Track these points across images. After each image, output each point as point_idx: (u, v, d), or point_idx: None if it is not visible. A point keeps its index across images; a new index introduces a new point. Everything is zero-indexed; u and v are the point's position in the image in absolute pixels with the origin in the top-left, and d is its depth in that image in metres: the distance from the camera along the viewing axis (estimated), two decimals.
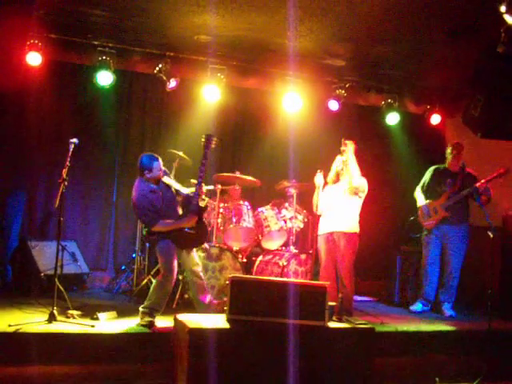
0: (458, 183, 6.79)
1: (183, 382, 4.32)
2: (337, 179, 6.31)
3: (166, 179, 5.59)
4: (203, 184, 5.59)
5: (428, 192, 6.95)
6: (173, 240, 5.38)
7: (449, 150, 7.02)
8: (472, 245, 7.03)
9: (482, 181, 6.57)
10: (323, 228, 6.27)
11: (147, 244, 7.14)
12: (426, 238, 6.90)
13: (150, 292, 5.41)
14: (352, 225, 6.14)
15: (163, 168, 5.62)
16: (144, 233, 5.58)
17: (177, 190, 5.60)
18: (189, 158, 7.02)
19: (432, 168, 7.07)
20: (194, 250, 5.64)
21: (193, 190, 5.54)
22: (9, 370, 4.56)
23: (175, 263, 5.41)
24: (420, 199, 6.92)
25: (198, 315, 5.02)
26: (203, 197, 5.68)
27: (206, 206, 5.73)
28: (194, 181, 5.90)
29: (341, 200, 6.16)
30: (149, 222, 5.35)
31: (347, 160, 6.17)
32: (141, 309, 5.34)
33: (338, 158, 6.30)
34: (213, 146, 5.64)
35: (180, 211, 5.55)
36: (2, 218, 7.02)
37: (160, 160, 5.49)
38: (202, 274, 5.64)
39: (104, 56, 6.91)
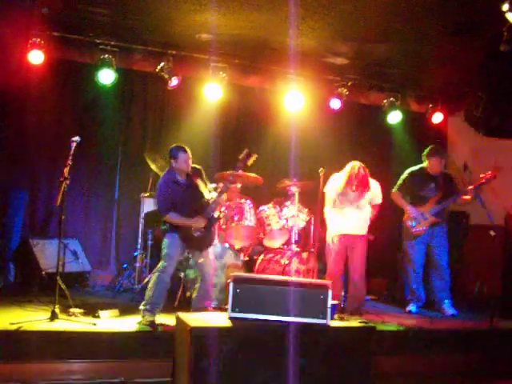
0: (441, 188, 6.71)
1: (185, 381, 4.33)
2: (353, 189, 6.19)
3: (199, 181, 5.65)
4: (224, 194, 5.73)
5: (409, 197, 6.80)
6: (179, 235, 5.44)
7: (428, 157, 6.75)
8: (474, 243, 7.02)
9: (470, 187, 6.50)
10: (339, 228, 6.30)
11: (149, 242, 7.16)
12: (412, 242, 6.78)
13: (149, 286, 5.44)
14: (367, 228, 6.30)
15: (198, 167, 5.71)
16: (162, 224, 5.65)
17: (202, 193, 5.65)
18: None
19: (408, 172, 6.87)
20: (211, 253, 5.71)
21: (214, 196, 5.65)
22: (11, 367, 4.57)
23: (176, 258, 5.49)
24: (407, 206, 6.74)
25: (200, 313, 5.03)
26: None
27: (219, 218, 5.80)
28: (211, 186, 5.88)
29: (359, 203, 6.25)
30: (161, 208, 5.46)
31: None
32: (141, 307, 5.35)
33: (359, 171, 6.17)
34: (249, 163, 5.78)
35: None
36: (3, 216, 7.01)
37: (188, 152, 5.53)
38: (213, 278, 5.70)
39: (106, 54, 6.90)
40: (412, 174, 6.85)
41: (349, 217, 6.25)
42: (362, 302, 6.34)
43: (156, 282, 5.39)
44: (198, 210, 5.54)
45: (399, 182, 6.87)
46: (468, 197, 6.47)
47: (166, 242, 5.48)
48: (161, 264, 5.45)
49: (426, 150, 6.82)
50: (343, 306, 6.35)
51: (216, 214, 5.73)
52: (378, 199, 6.41)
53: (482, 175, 6.48)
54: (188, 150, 5.54)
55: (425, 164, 6.82)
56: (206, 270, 5.60)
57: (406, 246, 6.89)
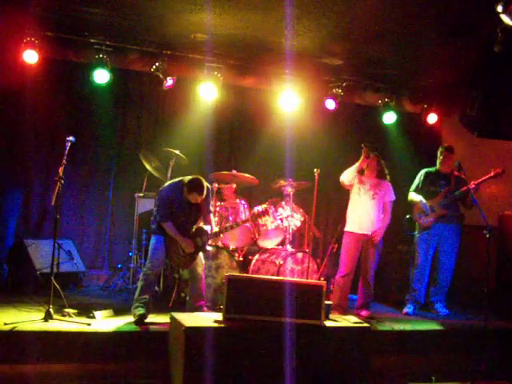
0: (452, 183, 6.82)
1: (179, 381, 4.33)
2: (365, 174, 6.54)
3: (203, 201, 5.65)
4: (221, 236, 6.18)
5: (422, 194, 6.90)
6: (164, 240, 5.53)
7: (439, 154, 7.01)
8: (468, 244, 7.04)
9: (479, 180, 6.57)
10: (358, 227, 6.44)
11: (143, 242, 7.16)
12: (421, 237, 6.87)
13: (137, 287, 5.55)
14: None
15: (208, 186, 5.65)
16: (152, 218, 5.68)
17: (199, 214, 5.74)
18: (185, 157, 7.02)
19: (423, 171, 7.05)
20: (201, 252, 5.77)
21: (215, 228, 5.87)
22: (5, 368, 4.57)
23: (160, 259, 5.57)
24: (418, 197, 6.90)
25: (194, 314, 5.03)
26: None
27: (209, 251, 6.02)
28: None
29: (375, 204, 6.46)
30: (159, 215, 5.55)
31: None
32: (132, 308, 5.42)
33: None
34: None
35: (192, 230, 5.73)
36: None
37: (203, 194, 5.49)
38: (203, 275, 5.75)
39: (101, 54, 6.88)
40: (426, 173, 7.03)
41: (367, 217, 6.43)
42: (372, 297, 6.62)
43: (142, 280, 5.51)
44: (192, 233, 5.65)
45: (415, 181, 7.08)
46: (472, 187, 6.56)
47: (152, 243, 5.60)
48: (146, 264, 5.58)
49: (438, 150, 7.06)
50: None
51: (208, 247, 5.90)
52: (391, 195, 6.59)
53: (493, 168, 6.58)
54: (205, 190, 5.50)
55: (437, 165, 7.01)
56: (196, 270, 5.62)
57: (416, 240, 6.97)
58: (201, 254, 5.72)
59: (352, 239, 6.44)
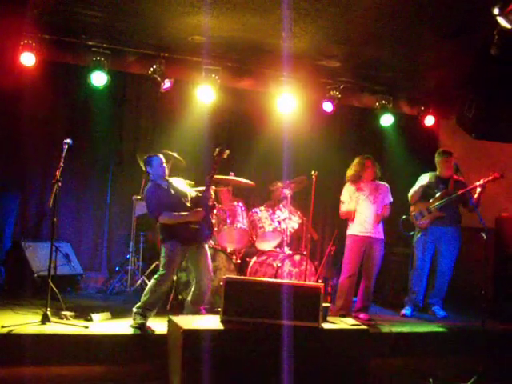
0: (451, 187, 6.83)
1: (177, 383, 4.32)
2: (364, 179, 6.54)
3: (175, 181, 5.63)
4: (212, 187, 5.72)
5: (421, 197, 6.92)
6: (179, 239, 5.38)
7: (437, 159, 7.00)
8: (465, 246, 7.05)
9: (480, 182, 6.57)
10: (360, 229, 6.44)
11: (141, 245, 7.15)
12: (419, 239, 6.89)
13: (146, 290, 5.38)
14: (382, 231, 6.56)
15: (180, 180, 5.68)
16: (159, 234, 5.58)
17: (185, 191, 5.64)
18: (183, 159, 7.01)
19: (423, 175, 7.06)
20: (209, 256, 5.63)
21: (200, 188, 5.68)
22: (2, 371, 4.55)
23: (176, 265, 5.46)
24: (417, 199, 6.91)
25: (192, 316, 5.03)
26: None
27: (214, 205, 5.81)
28: (189, 181, 5.88)
29: (376, 208, 6.46)
30: (153, 212, 5.42)
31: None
32: (134, 309, 5.32)
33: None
34: (224, 156, 5.68)
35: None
36: None
37: (161, 158, 5.57)
38: (209, 282, 5.62)
39: (98, 56, 6.89)
40: (424, 177, 7.02)
41: (370, 220, 6.42)
42: (371, 300, 6.63)
43: (153, 289, 5.32)
44: (191, 206, 5.51)
45: (415, 185, 7.05)
46: (476, 195, 6.55)
47: (165, 250, 5.39)
48: (160, 272, 5.36)
49: (436, 157, 7.04)
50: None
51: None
52: (388, 198, 6.58)
53: (492, 172, 6.57)
54: (161, 156, 5.60)
55: (438, 170, 7.00)
56: (203, 274, 5.53)
57: (414, 243, 6.99)
58: (209, 260, 5.61)
59: (355, 241, 6.45)
